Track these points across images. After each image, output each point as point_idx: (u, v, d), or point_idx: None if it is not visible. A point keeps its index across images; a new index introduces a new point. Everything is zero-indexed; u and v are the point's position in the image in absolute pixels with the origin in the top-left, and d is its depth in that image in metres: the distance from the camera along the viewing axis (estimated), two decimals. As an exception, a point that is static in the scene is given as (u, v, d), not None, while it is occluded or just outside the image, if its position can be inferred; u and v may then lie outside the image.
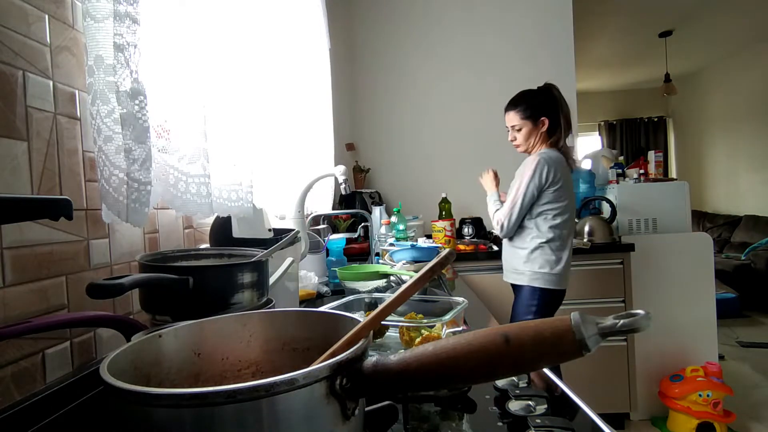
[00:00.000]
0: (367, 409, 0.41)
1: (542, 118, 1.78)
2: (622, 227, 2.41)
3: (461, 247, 2.38)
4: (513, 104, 1.85)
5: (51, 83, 0.65)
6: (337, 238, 1.74)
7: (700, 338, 2.32)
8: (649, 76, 6.16)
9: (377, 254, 1.85)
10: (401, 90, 3.05)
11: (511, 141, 1.87)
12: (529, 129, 1.80)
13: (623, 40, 5.00)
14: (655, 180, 2.60)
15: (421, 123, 3.04)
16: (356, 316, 0.45)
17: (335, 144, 2.25)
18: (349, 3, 3.04)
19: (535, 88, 1.86)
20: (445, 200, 2.66)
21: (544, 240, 1.73)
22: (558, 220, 1.74)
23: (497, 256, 2.05)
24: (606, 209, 2.45)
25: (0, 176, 0.56)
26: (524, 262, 1.77)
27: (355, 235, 2.18)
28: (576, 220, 2.43)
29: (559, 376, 0.91)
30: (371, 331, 0.41)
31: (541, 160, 1.71)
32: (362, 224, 2.20)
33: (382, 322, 0.69)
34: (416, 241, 1.94)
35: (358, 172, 2.93)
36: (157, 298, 0.63)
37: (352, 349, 0.35)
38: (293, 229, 1.05)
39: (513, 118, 1.83)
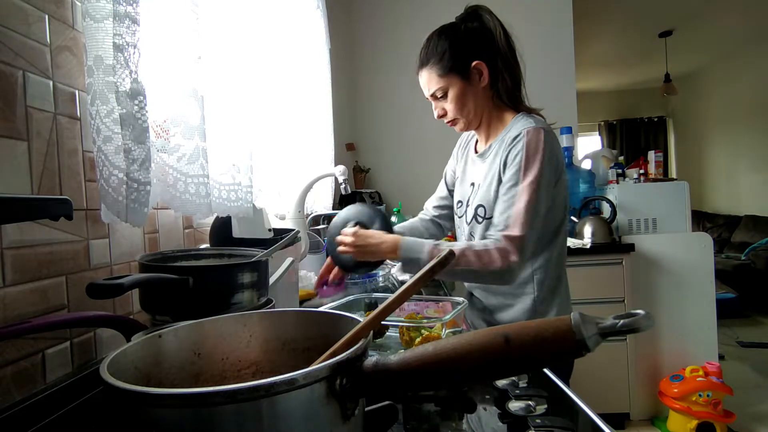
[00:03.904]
0: (367, 409, 0.41)
1: (474, 64, 1.06)
2: (622, 227, 2.41)
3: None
4: (424, 59, 1.10)
5: (51, 83, 0.65)
6: (337, 238, 1.74)
7: (700, 338, 2.32)
8: (649, 76, 6.16)
9: (377, 254, 1.85)
10: (401, 90, 3.05)
11: (440, 117, 1.13)
12: (460, 88, 1.06)
13: (623, 40, 5.00)
14: (655, 180, 2.60)
15: (421, 123, 3.04)
16: (356, 316, 0.45)
17: (335, 144, 2.24)
18: (349, 3, 3.04)
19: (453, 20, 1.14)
20: (445, 200, 2.66)
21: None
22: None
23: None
24: (606, 209, 2.45)
25: (0, 176, 0.56)
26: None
27: (355, 235, 2.16)
28: (576, 220, 2.43)
29: (565, 379, 0.87)
30: (371, 331, 0.41)
31: (543, 132, 0.98)
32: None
33: (382, 322, 0.69)
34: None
35: (358, 172, 2.93)
36: (157, 298, 0.63)
37: (352, 349, 0.35)
38: (293, 229, 1.05)
39: (430, 81, 1.09)
